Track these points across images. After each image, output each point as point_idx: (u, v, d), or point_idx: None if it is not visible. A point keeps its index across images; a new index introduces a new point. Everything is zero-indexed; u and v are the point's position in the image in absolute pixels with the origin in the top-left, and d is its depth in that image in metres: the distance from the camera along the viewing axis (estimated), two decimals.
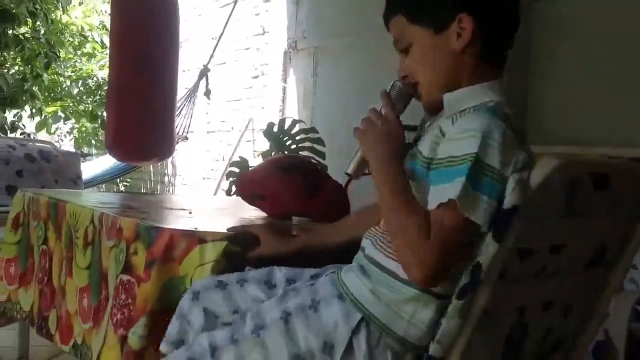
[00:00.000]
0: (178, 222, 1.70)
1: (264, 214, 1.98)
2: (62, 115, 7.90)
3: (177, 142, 5.65)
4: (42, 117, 7.53)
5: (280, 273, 1.44)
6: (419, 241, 1.13)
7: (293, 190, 1.85)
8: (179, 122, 5.41)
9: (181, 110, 5.32)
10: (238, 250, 1.50)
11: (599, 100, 2.74)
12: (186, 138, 5.64)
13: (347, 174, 1.36)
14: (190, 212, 2.03)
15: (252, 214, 2.01)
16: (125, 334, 1.50)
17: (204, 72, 5.24)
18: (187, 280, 1.46)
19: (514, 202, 1.11)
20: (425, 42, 1.31)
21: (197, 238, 1.48)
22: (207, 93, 5.16)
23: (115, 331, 1.56)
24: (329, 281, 1.35)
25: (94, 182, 5.78)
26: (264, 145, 4.93)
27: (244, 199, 1.99)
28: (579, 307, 1.42)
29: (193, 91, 5.37)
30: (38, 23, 6.71)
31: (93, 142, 8.33)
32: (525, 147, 1.20)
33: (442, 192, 1.14)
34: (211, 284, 1.42)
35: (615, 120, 2.66)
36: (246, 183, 1.95)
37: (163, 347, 1.42)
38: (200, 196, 5.87)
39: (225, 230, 1.55)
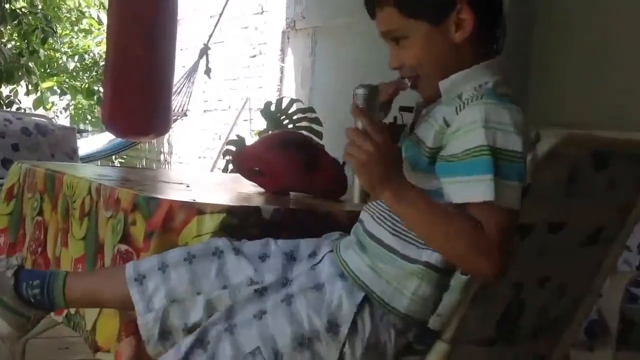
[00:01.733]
0: (176, 194, 1.70)
1: (261, 189, 1.98)
2: (58, 91, 7.87)
3: (177, 119, 5.66)
4: (38, 93, 7.50)
5: (275, 246, 1.42)
6: (482, 239, 1.11)
7: (292, 165, 1.85)
8: (178, 101, 5.41)
9: (181, 88, 5.32)
10: (236, 223, 1.50)
11: (602, 84, 2.75)
12: (185, 115, 5.63)
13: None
14: (187, 186, 2.03)
15: (250, 189, 2.01)
16: None
17: (204, 51, 5.22)
18: None
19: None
20: (424, 36, 1.26)
21: (195, 209, 1.48)
22: (208, 71, 5.15)
23: None
24: (329, 262, 1.34)
25: (90, 159, 5.78)
26: (261, 124, 4.91)
27: (242, 174, 1.99)
28: (574, 285, 1.43)
29: (193, 70, 5.36)
30: None
31: (89, 118, 8.31)
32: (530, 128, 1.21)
33: (469, 188, 1.13)
34: (208, 252, 1.39)
35: (620, 103, 2.67)
36: (244, 158, 1.94)
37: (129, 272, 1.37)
38: (197, 172, 5.86)
39: (223, 203, 1.55)
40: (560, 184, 1.21)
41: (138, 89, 3.50)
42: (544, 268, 1.33)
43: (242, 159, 1.97)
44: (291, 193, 1.95)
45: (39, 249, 2.15)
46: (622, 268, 2.15)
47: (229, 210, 1.50)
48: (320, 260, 1.36)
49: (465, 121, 1.17)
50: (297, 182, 1.89)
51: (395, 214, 1.22)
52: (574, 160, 1.20)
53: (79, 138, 4.65)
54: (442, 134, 1.21)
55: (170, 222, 1.49)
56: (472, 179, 1.12)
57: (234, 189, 2.07)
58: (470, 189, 1.12)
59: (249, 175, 1.96)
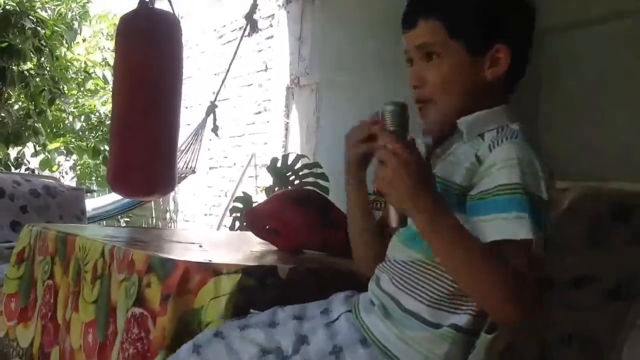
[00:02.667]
0: (191, 255, 1.68)
1: (273, 247, 1.97)
2: (65, 151, 7.92)
3: (185, 177, 5.67)
4: (46, 154, 7.55)
5: (283, 313, 1.38)
6: (520, 288, 1.06)
7: (307, 223, 1.84)
8: (185, 159, 5.43)
9: (188, 146, 5.34)
10: (253, 284, 1.48)
11: (611, 133, 2.75)
12: (193, 172, 5.64)
13: (395, 228, 1.21)
14: (200, 246, 2.01)
15: (261, 247, 1.99)
16: None
17: (212, 109, 5.26)
18: (202, 313, 1.44)
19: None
20: (459, 62, 1.24)
21: (212, 270, 1.47)
22: (215, 129, 5.18)
23: None
24: (348, 324, 1.29)
25: (96, 219, 5.77)
26: (267, 180, 4.93)
27: (256, 233, 1.98)
28: (597, 342, 1.41)
29: (200, 127, 5.39)
30: (43, 59, 6.76)
31: (94, 177, 8.34)
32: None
33: (507, 226, 1.09)
34: (210, 335, 1.36)
35: (628, 152, 2.66)
36: (259, 217, 1.93)
37: None
38: (206, 231, 5.84)
39: (239, 262, 1.53)
40: (580, 237, 1.19)
41: (143, 148, 3.51)
42: (569, 323, 1.31)
43: (255, 217, 1.96)
44: (305, 251, 1.94)
45: (49, 314, 2.12)
46: None
47: (246, 270, 1.49)
48: (337, 319, 1.32)
49: (499, 157, 1.14)
50: (312, 239, 1.88)
51: (424, 236, 1.14)
52: (593, 214, 1.19)
53: (86, 198, 4.65)
54: (473, 171, 1.17)
55: (186, 284, 1.47)
56: (511, 215, 1.08)
57: (246, 248, 2.06)
58: (509, 226, 1.08)
59: (263, 233, 1.95)
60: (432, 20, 1.25)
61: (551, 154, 1.26)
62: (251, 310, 1.43)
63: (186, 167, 5.41)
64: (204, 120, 5.37)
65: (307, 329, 1.31)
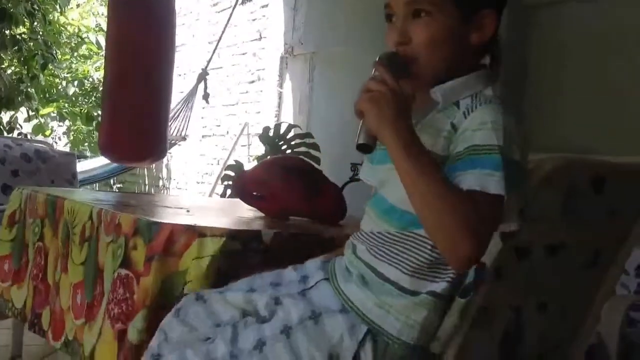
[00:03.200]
0: (177, 218, 1.71)
1: (261, 214, 1.99)
2: (57, 117, 7.90)
3: (175, 144, 5.68)
4: (38, 119, 7.52)
5: (261, 280, 1.39)
6: (477, 222, 1.07)
7: (294, 190, 1.86)
8: (176, 126, 5.43)
9: (179, 113, 5.34)
10: (237, 248, 1.51)
11: (597, 108, 2.77)
12: (184, 139, 5.65)
13: (362, 144, 1.17)
14: (187, 211, 2.04)
15: (250, 214, 2.02)
16: (123, 328, 1.50)
17: (203, 76, 5.26)
18: (186, 275, 1.47)
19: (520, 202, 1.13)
20: (449, 24, 1.22)
21: (196, 233, 1.49)
22: (206, 96, 5.18)
23: (113, 325, 1.56)
24: (326, 291, 1.31)
25: (88, 181, 5.77)
26: (259, 149, 4.94)
27: (242, 198, 2.00)
28: (573, 310, 1.44)
29: (191, 95, 5.38)
30: (35, 23, 6.71)
31: (87, 143, 8.33)
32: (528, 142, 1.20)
33: (479, 180, 1.10)
34: (191, 298, 1.38)
35: (613, 128, 2.69)
36: (246, 183, 1.96)
37: None
38: (195, 197, 5.87)
39: (224, 226, 1.56)
40: (556, 206, 1.21)
41: (135, 115, 3.51)
42: (543, 292, 1.33)
43: (243, 184, 1.99)
44: (291, 218, 1.96)
45: (40, 275, 2.15)
46: (620, 291, 2.15)
47: (230, 234, 1.51)
48: (313, 286, 1.33)
49: (474, 122, 1.16)
50: (298, 206, 1.90)
51: (395, 162, 1.13)
52: (570, 184, 1.21)
53: (77, 162, 4.65)
54: (449, 140, 1.18)
55: (171, 246, 1.49)
56: (484, 171, 1.10)
57: (234, 214, 2.08)
58: (481, 179, 1.09)
59: (250, 199, 1.97)
60: None
61: (535, 127, 1.28)
62: (230, 284, 1.45)
63: (177, 134, 5.41)
64: (195, 87, 5.37)
65: (284, 294, 1.33)
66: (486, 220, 1.08)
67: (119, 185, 8.05)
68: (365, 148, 1.17)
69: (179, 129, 5.40)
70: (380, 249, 1.25)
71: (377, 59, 1.21)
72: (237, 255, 1.50)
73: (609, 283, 1.45)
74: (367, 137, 1.15)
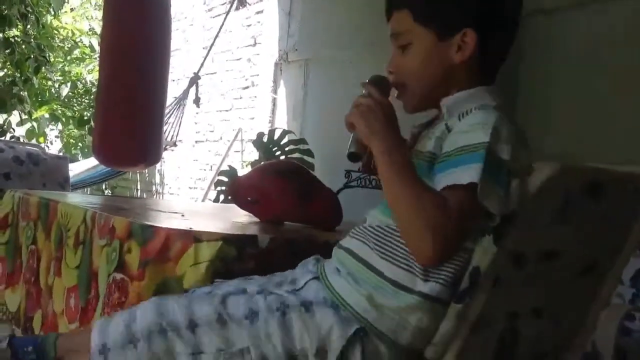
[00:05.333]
0: (172, 222, 1.70)
1: (256, 219, 1.98)
2: (49, 119, 7.86)
3: (167, 149, 5.66)
4: (32, 123, 7.48)
5: (251, 284, 1.39)
6: (441, 219, 1.12)
7: (288, 195, 1.85)
8: (167, 130, 5.41)
9: (170, 117, 5.32)
10: (233, 253, 1.50)
11: (586, 118, 2.78)
12: (175, 145, 5.63)
13: (352, 153, 1.29)
14: (183, 215, 2.03)
15: (244, 219, 2.01)
16: None
17: (194, 80, 5.24)
18: (183, 280, 1.46)
19: (514, 206, 1.13)
20: (428, 47, 1.31)
21: (192, 237, 1.48)
22: (197, 101, 5.16)
23: None
24: (317, 286, 1.31)
25: (80, 184, 5.75)
26: (253, 155, 4.93)
27: (237, 203, 1.99)
28: (569, 318, 1.44)
29: (182, 99, 5.37)
30: (29, 26, 6.69)
31: (80, 146, 8.29)
32: (527, 146, 1.23)
33: (456, 175, 1.14)
34: (174, 297, 1.37)
35: (603, 138, 2.69)
36: (240, 187, 1.95)
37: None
38: (189, 202, 5.85)
39: (219, 231, 1.55)
40: (553, 213, 1.21)
41: (128, 119, 3.50)
42: (539, 298, 1.33)
43: (237, 188, 1.98)
44: (286, 223, 1.95)
45: (32, 279, 2.13)
46: (615, 301, 2.15)
47: (226, 239, 1.50)
48: (303, 287, 1.33)
49: (466, 123, 1.21)
50: (293, 211, 1.89)
51: (378, 167, 1.22)
52: (566, 190, 1.21)
53: (69, 164, 4.64)
54: (442, 139, 1.24)
55: (167, 250, 1.48)
56: (463, 167, 1.14)
57: (228, 218, 2.07)
58: (458, 174, 1.14)
59: (244, 204, 1.97)
60: (402, 10, 1.34)
61: (529, 135, 1.29)
62: (215, 280, 1.44)
63: (169, 139, 5.40)
64: (186, 92, 5.35)
65: (274, 291, 1.34)
66: (454, 217, 1.13)
67: (111, 190, 8.02)
68: (355, 157, 1.29)
69: (170, 134, 5.38)
70: (378, 241, 1.27)
71: (367, 80, 1.32)
72: (233, 260, 1.50)
73: (605, 292, 1.45)
74: (357, 146, 1.27)
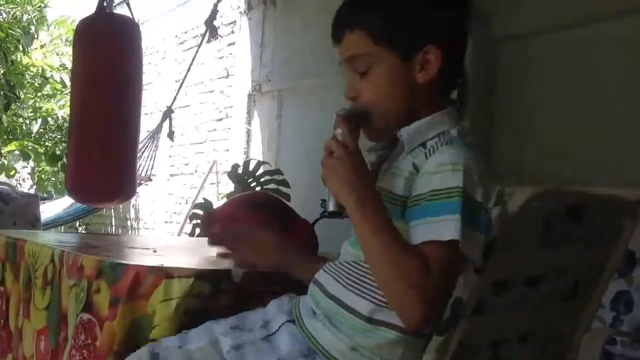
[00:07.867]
0: (143, 259, 1.65)
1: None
2: (21, 156, 7.77)
3: (141, 184, 5.60)
4: (1, 160, 7.40)
5: (219, 325, 1.34)
6: (424, 280, 1.06)
7: (264, 227, 1.81)
8: (141, 164, 5.36)
9: (143, 152, 5.27)
10: (206, 288, 1.46)
11: (566, 138, 2.78)
12: (150, 179, 5.57)
13: (333, 212, 1.21)
14: (154, 251, 1.98)
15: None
16: None
17: (168, 114, 5.21)
18: (154, 319, 1.41)
19: (494, 233, 1.10)
20: (389, 69, 1.21)
21: (163, 273, 1.44)
22: (171, 135, 5.12)
23: None
24: (290, 335, 1.26)
25: (53, 224, 5.66)
26: (228, 187, 4.89)
27: (211, 237, 1.95)
28: (554, 343, 1.41)
29: (156, 132, 5.33)
30: None
31: (52, 182, 8.19)
32: (496, 174, 1.19)
33: (435, 229, 1.08)
34: (145, 353, 1.31)
35: (584, 157, 2.69)
36: (214, 220, 1.91)
37: None
38: (163, 236, 5.77)
39: (191, 267, 1.50)
40: (534, 237, 1.19)
41: (101, 155, 3.46)
42: (525, 323, 1.30)
43: (211, 221, 1.94)
44: None
45: (2, 321, 2.07)
46: (595, 324, 2.13)
47: (198, 274, 1.46)
48: (277, 331, 1.28)
49: (433, 164, 1.14)
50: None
51: (352, 222, 1.16)
52: (548, 214, 1.19)
53: (42, 204, 4.57)
54: (411, 181, 1.17)
55: (137, 288, 1.44)
56: (442, 218, 1.08)
57: (202, 253, 2.03)
58: (437, 227, 1.08)
59: (216, 240, 1.92)
60: (356, 31, 1.24)
61: (506, 160, 1.26)
62: (183, 331, 1.38)
63: (143, 174, 5.34)
64: (160, 125, 5.32)
65: (247, 341, 1.28)
66: (438, 278, 1.07)
67: (85, 227, 7.91)
68: (336, 215, 1.21)
69: (144, 168, 5.33)
70: (350, 278, 1.22)
71: (335, 115, 1.22)
72: (207, 296, 1.45)
73: (587, 315, 1.43)
74: (336, 204, 1.20)
